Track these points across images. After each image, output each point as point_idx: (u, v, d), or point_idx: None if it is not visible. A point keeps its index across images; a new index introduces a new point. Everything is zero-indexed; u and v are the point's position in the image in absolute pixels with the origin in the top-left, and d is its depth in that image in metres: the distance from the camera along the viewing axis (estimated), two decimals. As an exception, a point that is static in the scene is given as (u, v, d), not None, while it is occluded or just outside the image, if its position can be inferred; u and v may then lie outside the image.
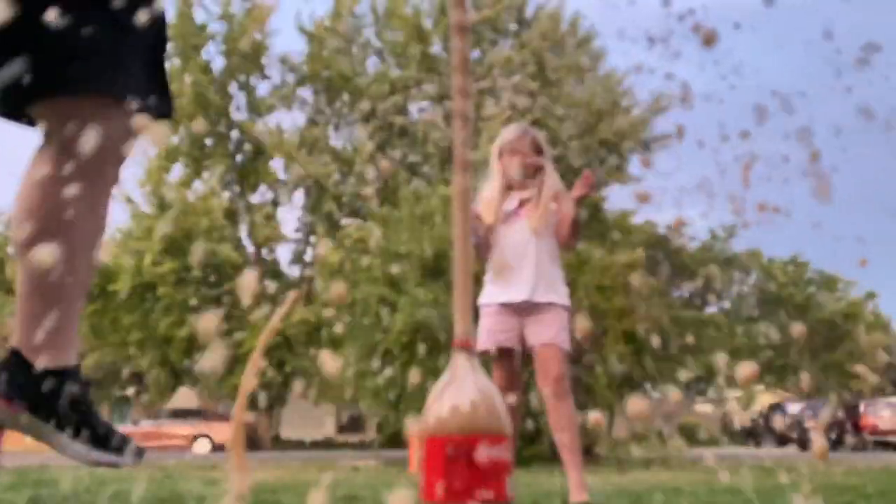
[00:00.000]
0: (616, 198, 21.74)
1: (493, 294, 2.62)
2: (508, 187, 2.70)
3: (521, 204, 2.68)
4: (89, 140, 1.14)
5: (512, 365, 2.60)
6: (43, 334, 1.20)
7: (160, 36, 1.40)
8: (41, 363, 1.22)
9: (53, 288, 1.22)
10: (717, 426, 27.98)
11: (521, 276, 2.60)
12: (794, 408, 19.70)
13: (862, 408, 18.29)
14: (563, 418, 2.50)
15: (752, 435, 22.29)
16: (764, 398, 28.18)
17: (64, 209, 1.19)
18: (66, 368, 1.26)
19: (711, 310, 28.20)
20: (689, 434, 23.83)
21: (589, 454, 7.24)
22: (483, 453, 1.11)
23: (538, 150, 2.73)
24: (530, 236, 2.62)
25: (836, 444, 18.34)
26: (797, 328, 23.29)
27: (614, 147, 17.80)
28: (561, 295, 2.62)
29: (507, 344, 2.56)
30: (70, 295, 1.26)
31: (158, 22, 1.35)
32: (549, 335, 2.54)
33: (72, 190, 1.17)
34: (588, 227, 17.32)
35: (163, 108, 1.36)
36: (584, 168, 17.79)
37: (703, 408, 30.09)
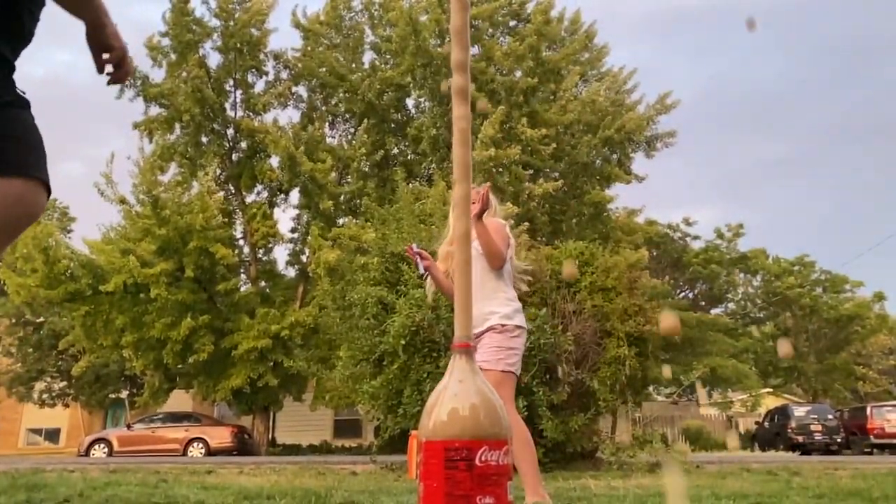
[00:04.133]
0: (620, 197, 21.66)
1: None
2: None
3: None
4: None
5: None
6: None
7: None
8: None
9: None
10: (722, 429, 27.84)
11: None
12: (799, 411, 19.55)
13: (869, 411, 18.19)
14: None
15: (756, 438, 22.15)
16: (769, 401, 28.02)
17: None
18: None
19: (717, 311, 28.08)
20: (694, 437, 23.68)
21: (592, 459, 7.15)
22: (484, 458, 1.07)
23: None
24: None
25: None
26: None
27: (619, 145, 17.72)
28: (496, 316, 2.79)
29: None
30: None
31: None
32: (481, 359, 2.72)
33: None
34: (591, 227, 17.28)
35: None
36: (593, 164, 17.73)
37: (709, 410, 29.95)
